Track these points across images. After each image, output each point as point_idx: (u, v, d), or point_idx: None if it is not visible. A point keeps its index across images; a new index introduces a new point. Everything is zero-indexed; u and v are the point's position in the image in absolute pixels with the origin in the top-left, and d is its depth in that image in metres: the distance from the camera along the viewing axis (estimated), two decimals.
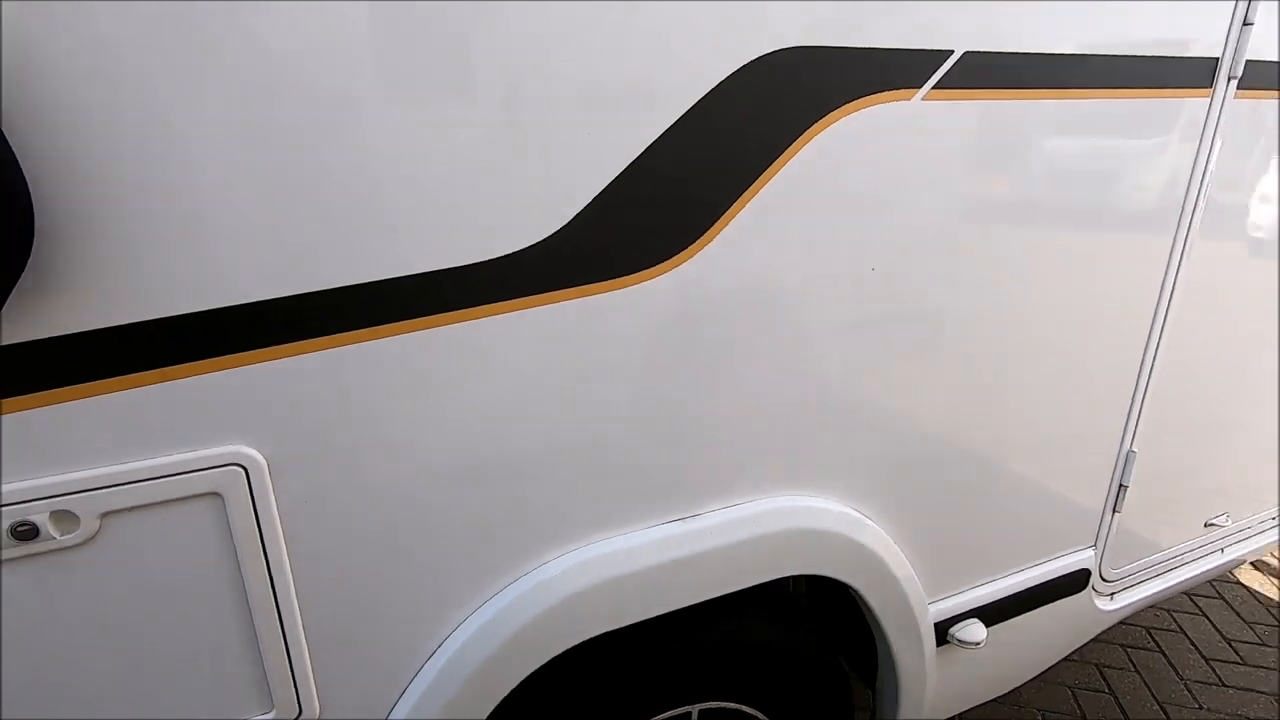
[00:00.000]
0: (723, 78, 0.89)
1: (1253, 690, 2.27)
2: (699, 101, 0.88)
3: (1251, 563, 2.91)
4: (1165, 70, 1.23)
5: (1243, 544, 1.93)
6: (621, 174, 0.87)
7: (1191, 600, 2.69)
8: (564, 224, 0.87)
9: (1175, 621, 2.58)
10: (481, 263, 0.84)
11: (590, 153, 0.85)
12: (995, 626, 1.49)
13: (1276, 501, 1.95)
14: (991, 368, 1.29)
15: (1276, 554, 2.94)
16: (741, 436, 1.09)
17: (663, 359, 1.00)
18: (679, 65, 0.86)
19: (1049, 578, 1.54)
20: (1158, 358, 1.47)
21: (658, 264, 0.94)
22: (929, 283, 1.15)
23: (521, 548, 1.01)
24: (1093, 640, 2.44)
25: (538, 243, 0.86)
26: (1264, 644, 2.48)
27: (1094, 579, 1.62)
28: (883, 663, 1.40)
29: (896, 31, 0.97)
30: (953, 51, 1.02)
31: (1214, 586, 2.76)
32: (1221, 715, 2.17)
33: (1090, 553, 1.60)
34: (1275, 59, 1.33)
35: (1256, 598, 2.72)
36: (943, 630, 1.43)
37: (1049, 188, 1.21)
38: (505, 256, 0.85)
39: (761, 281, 1.01)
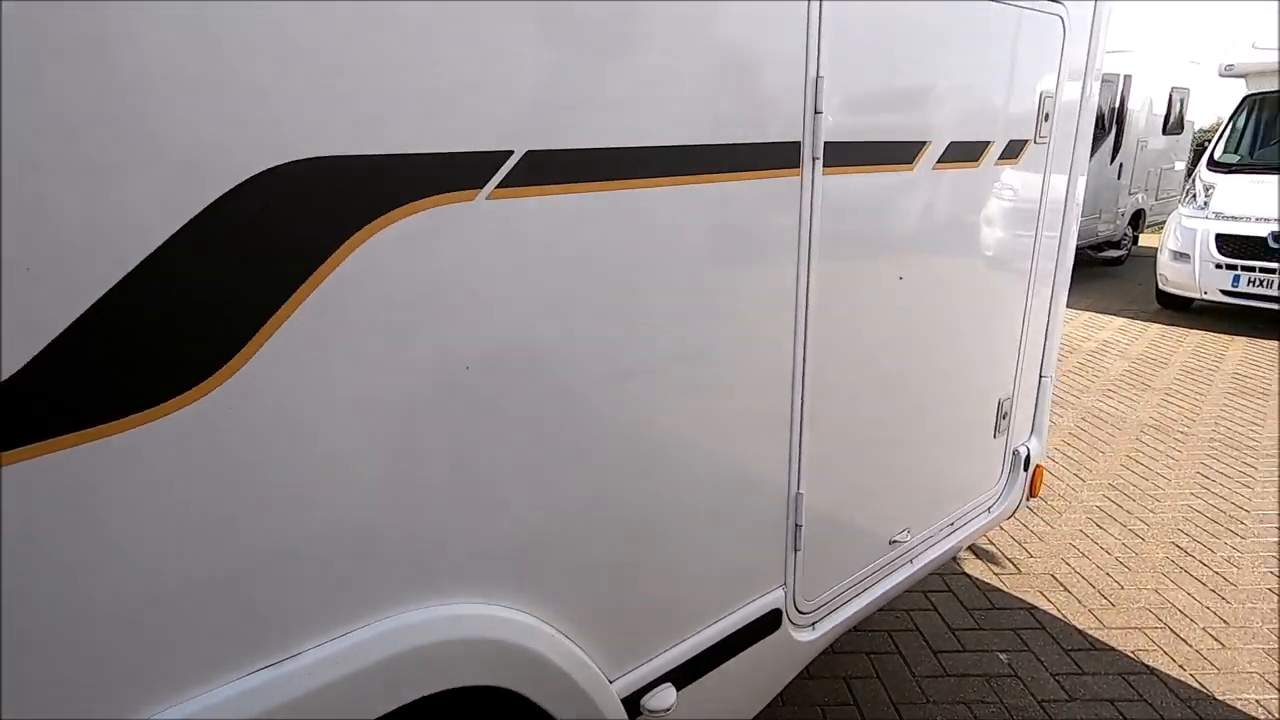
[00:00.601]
0: (219, 195, 0.81)
1: (968, 675, 2.54)
2: (190, 223, 0.80)
3: (974, 551, 3.31)
4: (756, 155, 1.35)
5: (929, 551, 2.16)
6: (91, 310, 0.76)
7: (925, 596, 2.99)
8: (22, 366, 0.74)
9: (912, 620, 2.85)
10: None
11: (47, 291, 0.74)
12: (691, 685, 1.52)
13: (952, 508, 2.21)
14: (638, 438, 1.33)
15: (989, 540, 3.37)
16: (333, 556, 1.01)
17: (209, 494, 0.89)
18: (156, 184, 0.78)
19: (740, 625, 1.60)
20: (805, 406, 1.60)
21: (169, 399, 0.83)
22: (539, 370, 1.15)
23: None
24: (839, 652, 2.63)
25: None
26: (980, 628, 2.80)
27: (788, 616, 1.72)
28: None
29: (442, 135, 0.96)
30: (512, 152, 1.03)
31: (942, 579, 3.09)
32: (943, 705, 2.40)
33: (780, 592, 1.69)
34: (851, 140, 1.51)
35: (977, 585, 3.08)
36: (634, 702, 1.43)
37: (659, 267, 1.27)
38: None
39: (318, 394, 0.94)
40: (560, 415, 1.20)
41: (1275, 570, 3.13)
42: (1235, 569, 3.16)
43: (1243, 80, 7.62)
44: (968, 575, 3.15)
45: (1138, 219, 10.82)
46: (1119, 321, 7.51)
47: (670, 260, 1.28)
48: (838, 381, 1.68)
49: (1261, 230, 6.56)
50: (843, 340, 1.65)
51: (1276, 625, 2.77)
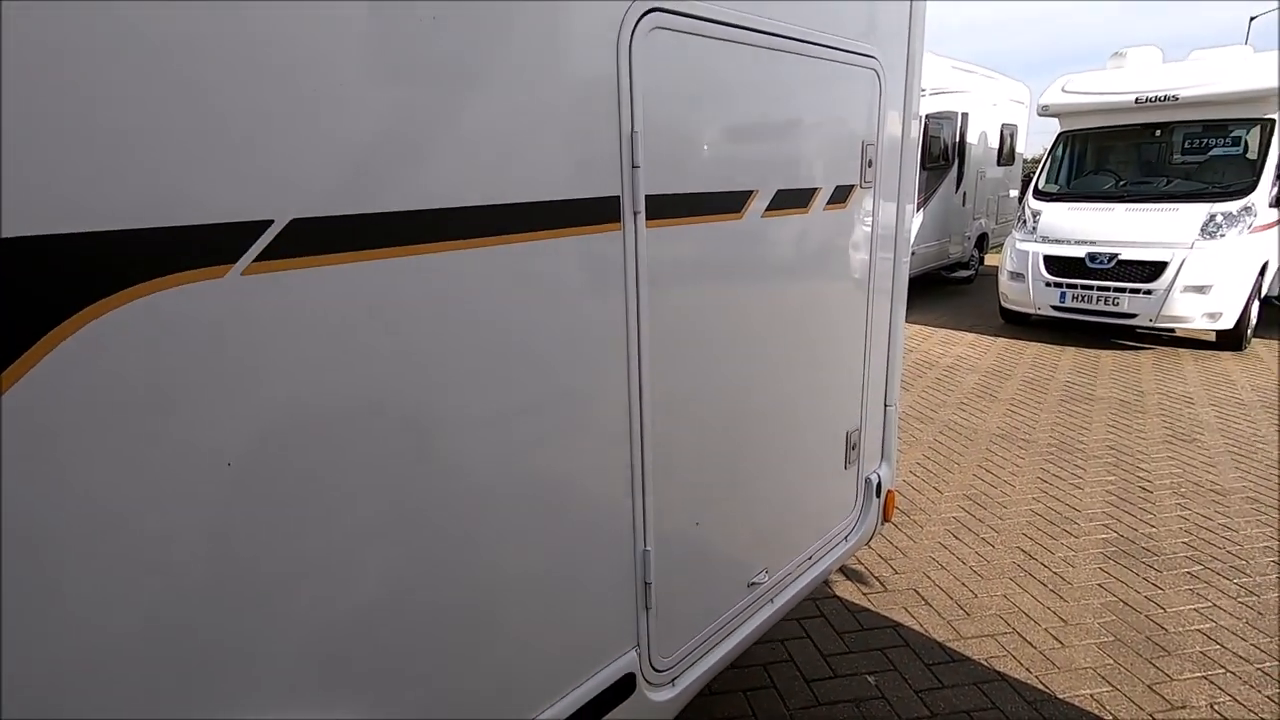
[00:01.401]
0: None
1: (839, 702, 2.58)
2: None
3: (844, 572, 3.42)
4: (572, 212, 1.31)
5: (790, 588, 2.18)
6: None
7: (799, 624, 3.03)
8: None
9: (786, 650, 2.88)
10: None
11: None
12: None
13: (808, 543, 2.25)
14: (459, 511, 1.23)
15: (858, 560, 3.49)
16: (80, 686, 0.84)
17: None
18: None
19: (591, 696, 1.53)
20: (646, 460, 1.56)
21: None
22: (325, 453, 1.04)
23: None
24: (715, 693, 2.61)
25: None
26: (850, 651, 2.87)
27: (643, 677, 1.66)
28: None
29: (180, 206, 0.84)
30: (272, 221, 0.92)
31: (815, 604, 3.16)
32: None
33: (633, 654, 1.63)
34: (674, 192, 1.51)
35: (847, 606, 3.17)
36: None
37: (469, 332, 1.19)
38: None
39: (31, 505, 0.79)
40: (360, 496, 1.08)
41: (1104, 566, 3.43)
42: (1071, 568, 3.43)
43: (1057, 120, 8.59)
44: (838, 597, 3.23)
45: (982, 241, 11.92)
46: (970, 337, 8.17)
47: (482, 324, 1.20)
48: (680, 432, 1.66)
49: (1080, 252, 7.37)
50: (682, 391, 1.64)
51: (1107, 620, 3.02)
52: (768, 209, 1.77)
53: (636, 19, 1.34)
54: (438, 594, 1.22)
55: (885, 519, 2.59)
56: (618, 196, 1.38)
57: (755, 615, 2.04)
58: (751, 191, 1.71)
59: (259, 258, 0.91)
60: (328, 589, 1.07)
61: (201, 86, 0.84)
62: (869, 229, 2.20)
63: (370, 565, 1.12)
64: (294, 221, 0.94)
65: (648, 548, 1.61)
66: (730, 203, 1.66)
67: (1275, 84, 6.93)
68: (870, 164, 2.12)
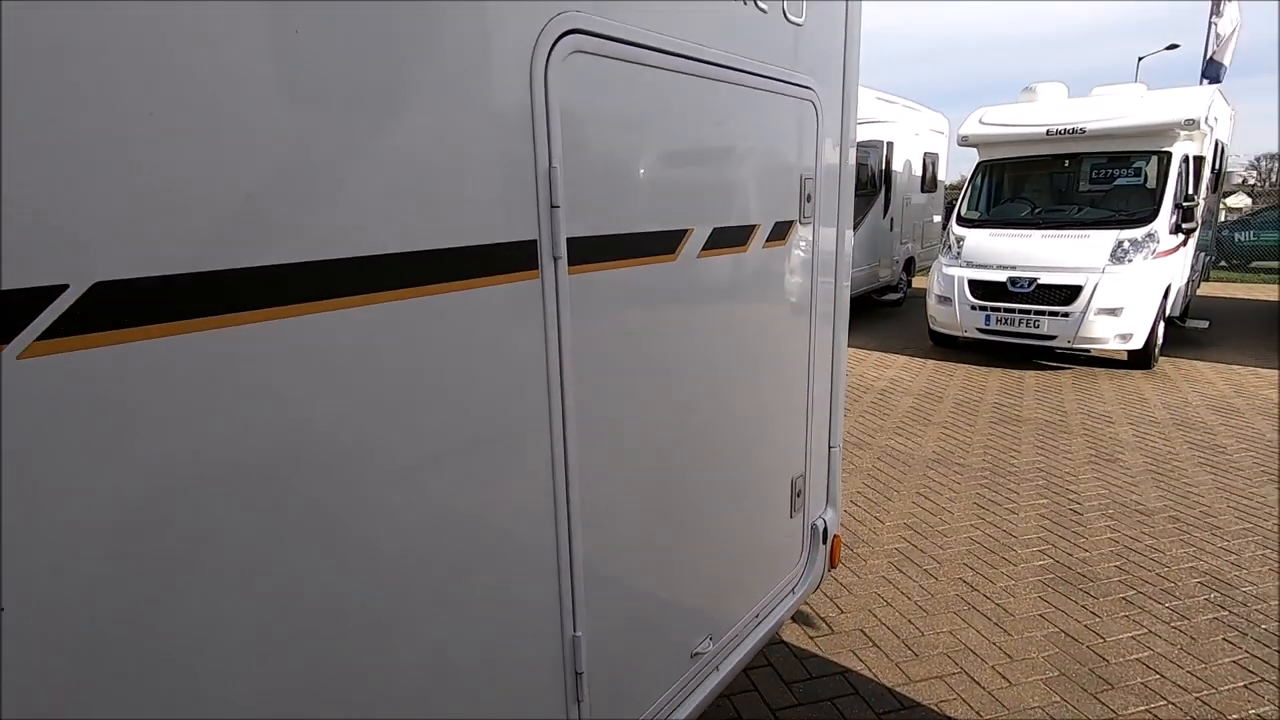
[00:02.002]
0: None
1: None
2: None
3: (792, 617, 3.29)
4: (479, 260, 1.12)
5: (737, 652, 2.02)
6: None
7: (747, 675, 2.87)
8: None
9: (734, 708, 2.71)
10: None
11: None
12: None
13: (755, 601, 2.10)
14: (373, 610, 1.01)
15: (808, 603, 3.38)
16: None
17: None
18: None
19: None
20: (573, 535, 1.38)
21: None
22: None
23: None
24: None
25: None
26: (799, 703, 2.73)
27: None
28: None
29: None
30: (66, 285, 0.71)
31: (764, 655, 3.01)
32: None
33: None
34: (601, 234, 1.35)
35: (795, 654, 3.03)
36: None
37: (355, 404, 0.98)
38: None
39: None
40: (228, 595, 0.86)
41: (1044, 595, 3.43)
42: (1013, 598, 3.41)
43: (975, 150, 8.95)
44: (786, 643, 3.10)
45: (910, 265, 12.31)
46: (902, 359, 8.33)
47: (376, 397, 1.00)
48: (612, 501, 1.48)
49: (1002, 276, 7.64)
50: (615, 455, 1.46)
51: (1051, 653, 2.99)
52: (704, 248, 1.63)
53: (552, 42, 1.18)
54: (345, 701, 1.00)
55: (832, 565, 2.47)
56: (535, 240, 1.21)
57: (700, 687, 1.87)
58: (686, 230, 1.56)
59: (45, 334, 0.70)
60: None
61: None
62: (809, 267, 2.10)
63: (246, 684, 0.89)
64: (98, 285, 0.72)
65: (578, 633, 1.41)
66: (663, 243, 1.51)
67: (1169, 118, 7.41)
68: (809, 198, 2.02)
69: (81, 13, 0.69)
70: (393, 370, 1.02)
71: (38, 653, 0.73)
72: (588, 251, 1.31)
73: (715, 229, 1.65)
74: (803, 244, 2.05)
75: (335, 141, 0.91)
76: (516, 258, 1.18)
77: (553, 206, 1.22)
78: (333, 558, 0.98)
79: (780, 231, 1.92)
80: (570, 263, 1.27)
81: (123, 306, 0.74)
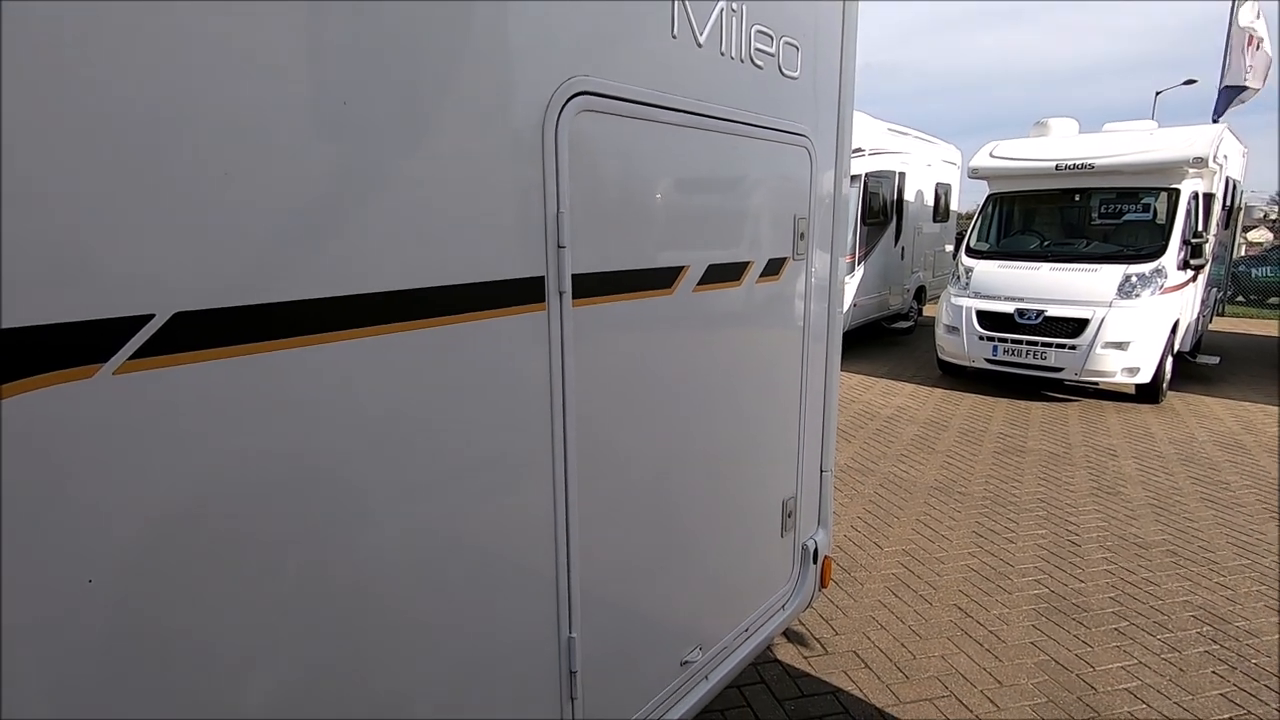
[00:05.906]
0: None
1: None
2: None
3: (786, 635, 3.37)
4: (492, 294, 1.27)
5: (726, 663, 2.12)
6: None
7: (740, 692, 2.96)
8: None
9: None
10: None
11: None
12: None
13: (744, 615, 2.21)
14: (366, 625, 1.15)
15: (800, 620, 3.46)
16: None
17: None
18: None
19: None
20: (571, 545, 1.51)
21: None
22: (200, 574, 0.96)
23: None
24: None
25: None
26: (791, 719, 2.81)
27: None
28: None
29: (37, 303, 0.78)
30: (153, 315, 0.86)
31: (756, 671, 3.09)
32: None
33: None
34: (602, 270, 1.50)
35: (788, 672, 3.12)
36: None
37: (376, 424, 1.13)
38: None
39: None
40: (248, 612, 1.00)
41: (1036, 623, 3.49)
42: (1006, 626, 3.47)
43: (986, 182, 9.09)
44: (779, 661, 3.18)
45: (920, 293, 12.40)
46: (909, 388, 8.40)
47: (396, 415, 1.14)
48: (609, 515, 1.61)
49: (1010, 308, 7.72)
50: (614, 472, 1.60)
51: (1040, 680, 3.05)
52: (699, 283, 1.77)
53: (563, 102, 1.34)
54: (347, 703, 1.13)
55: (823, 585, 2.57)
56: (542, 277, 1.36)
57: (689, 695, 1.97)
58: (682, 267, 1.71)
59: (136, 354, 0.85)
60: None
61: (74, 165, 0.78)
62: (802, 299, 2.24)
63: (256, 686, 1.03)
64: (178, 315, 0.88)
65: (573, 635, 1.54)
66: (661, 279, 1.66)
67: (1177, 156, 7.51)
68: (802, 236, 2.17)
69: (176, 94, 0.85)
70: (421, 387, 1.17)
71: (134, 625, 0.87)
72: (590, 286, 1.46)
73: (710, 265, 1.80)
74: (796, 279, 2.19)
75: (377, 194, 1.07)
76: (526, 292, 1.33)
77: (559, 246, 1.37)
78: (348, 557, 1.12)
79: (774, 267, 2.06)
80: (574, 296, 1.42)
81: (197, 332, 0.89)
